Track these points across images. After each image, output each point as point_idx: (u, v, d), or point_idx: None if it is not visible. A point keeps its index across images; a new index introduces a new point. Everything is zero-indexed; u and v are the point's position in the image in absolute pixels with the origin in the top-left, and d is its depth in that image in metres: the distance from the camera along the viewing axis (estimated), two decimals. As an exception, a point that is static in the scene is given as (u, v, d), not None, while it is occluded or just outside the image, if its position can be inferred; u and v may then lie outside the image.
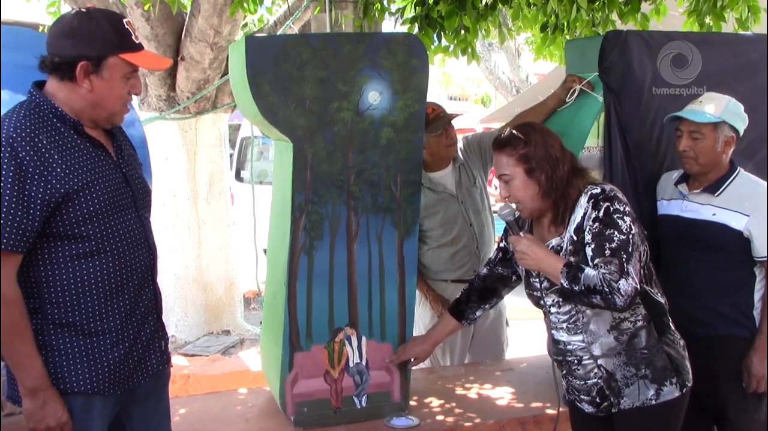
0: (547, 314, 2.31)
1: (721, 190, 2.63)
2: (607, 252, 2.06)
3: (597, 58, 2.90)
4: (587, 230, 2.12)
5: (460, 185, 3.45)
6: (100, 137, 1.97)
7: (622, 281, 2.03)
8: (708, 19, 4.36)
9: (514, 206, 2.25)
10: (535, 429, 2.85)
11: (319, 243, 2.68)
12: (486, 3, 4.28)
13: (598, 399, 2.26)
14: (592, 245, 2.10)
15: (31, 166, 1.77)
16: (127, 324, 1.98)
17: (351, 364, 2.79)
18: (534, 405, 2.99)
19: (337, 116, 2.61)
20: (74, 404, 1.91)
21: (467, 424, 2.82)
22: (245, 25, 6.34)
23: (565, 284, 2.10)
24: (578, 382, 2.28)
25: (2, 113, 1.89)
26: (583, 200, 2.16)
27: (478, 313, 2.65)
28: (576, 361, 2.25)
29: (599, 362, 2.21)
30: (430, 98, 2.81)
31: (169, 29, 4.92)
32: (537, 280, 2.27)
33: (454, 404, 3.00)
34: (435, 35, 4.15)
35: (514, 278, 2.55)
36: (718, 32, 4.17)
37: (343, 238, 2.70)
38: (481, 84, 20.50)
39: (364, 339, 2.79)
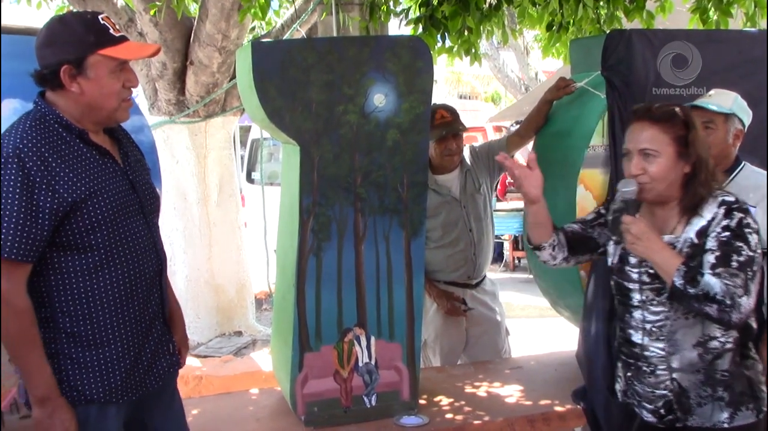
0: (628, 308, 2.12)
1: (725, 183, 2.64)
2: (734, 265, 1.90)
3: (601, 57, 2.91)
4: (713, 236, 1.96)
5: (464, 190, 3.48)
6: (105, 144, 1.98)
7: (745, 299, 1.87)
8: (715, 16, 4.36)
9: (635, 186, 2.02)
10: (544, 427, 2.87)
11: (327, 245, 2.71)
12: (490, 3, 4.29)
13: (662, 411, 2.07)
14: (717, 253, 1.93)
15: (38, 176, 1.79)
16: (136, 331, 1.98)
17: (360, 364, 2.82)
18: (543, 402, 3.01)
19: (343, 118, 2.64)
20: (90, 413, 1.92)
21: (476, 422, 2.84)
22: (253, 29, 6.37)
23: (677, 283, 1.91)
24: (645, 389, 2.10)
25: (8, 124, 1.92)
26: (713, 205, 2.00)
27: (553, 240, 2.25)
28: (649, 370, 2.08)
29: (674, 376, 2.04)
30: (440, 98, 2.83)
31: (178, 34, 4.95)
32: (636, 271, 2.09)
33: (463, 402, 3.03)
34: (439, 36, 4.17)
35: (599, 250, 2.26)
36: (723, 29, 4.16)
37: (350, 239, 2.73)
38: (491, 82, 20.44)
39: (373, 338, 2.82)
